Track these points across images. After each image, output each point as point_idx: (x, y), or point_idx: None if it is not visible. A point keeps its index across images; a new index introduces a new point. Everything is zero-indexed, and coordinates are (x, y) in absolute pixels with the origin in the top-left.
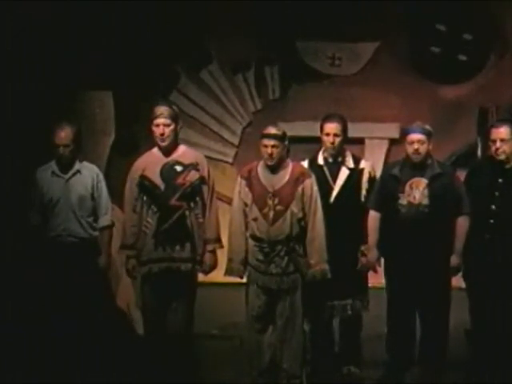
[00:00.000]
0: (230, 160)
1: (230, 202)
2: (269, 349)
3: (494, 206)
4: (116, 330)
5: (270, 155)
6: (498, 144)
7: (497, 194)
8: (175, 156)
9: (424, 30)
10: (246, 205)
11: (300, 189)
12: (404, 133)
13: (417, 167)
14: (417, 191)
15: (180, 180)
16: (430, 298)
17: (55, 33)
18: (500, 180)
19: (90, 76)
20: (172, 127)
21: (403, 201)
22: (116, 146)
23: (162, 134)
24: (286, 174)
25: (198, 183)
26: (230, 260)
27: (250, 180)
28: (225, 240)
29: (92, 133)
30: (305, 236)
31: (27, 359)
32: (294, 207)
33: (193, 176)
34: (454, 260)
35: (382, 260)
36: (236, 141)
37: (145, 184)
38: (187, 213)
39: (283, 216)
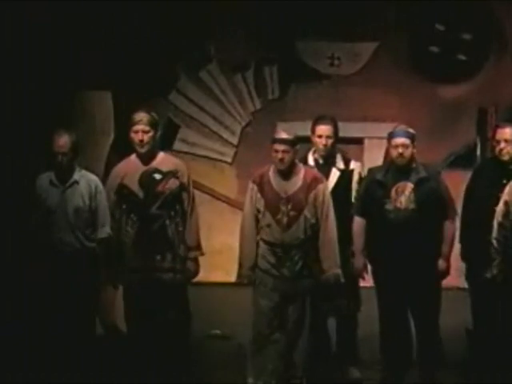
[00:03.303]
0: (229, 160)
1: (228, 201)
2: (275, 352)
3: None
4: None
5: (281, 160)
6: (503, 145)
7: (500, 194)
8: (154, 164)
9: (423, 29)
10: (258, 211)
11: (313, 194)
12: (388, 137)
13: (401, 171)
14: (402, 196)
15: (160, 188)
16: (420, 301)
17: (55, 33)
18: (504, 181)
19: (89, 76)
20: (151, 134)
21: (390, 206)
22: (115, 146)
23: (141, 141)
24: (298, 180)
25: (178, 191)
26: (240, 266)
27: (262, 186)
28: (221, 243)
29: (91, 133)
30: (318, 241)
31: (22, 362)
32: (308, 212)
33: (172, 184)
34: (442, 264)
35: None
36: (235, 140)
37: (124, 193)
38: (168, 222)
39: (297, 221)
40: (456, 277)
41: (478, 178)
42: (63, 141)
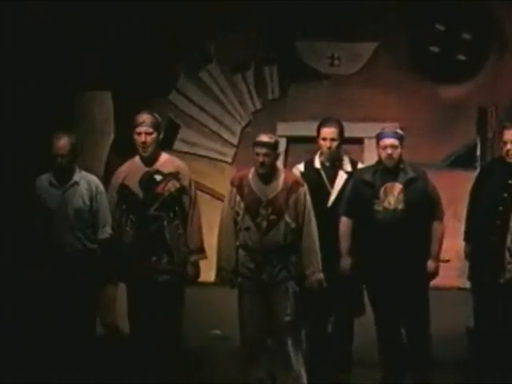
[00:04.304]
0: (229, 160)
1: None
2: (270, 358)
3: (501, 208)
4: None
5: (262, 163)
6: (509, 146)
7: (506, 195)
8: (156, 165)
9: (423, 29)
10: (237, 214)
11: (293, 198)
12: (376, 138)
13: (389, 172)
14: (391, 196)
15: (159, 189)
16: (409, 302)
17: (55, 33)
18: (510, 181)
19: (89, 76)
20: (154, 136)
21: (379, 207)
22: (115, 146)
23: (144, 143)
24: (279, 183)
25: (178, 193)
26: (220, 269)
27: (242, 188)
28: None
29: (91, 133)
30: (298, 245)
31: (22, 362)
32: (288, 217)
33: (172, 186)
34: (431, 265)
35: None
36: (235, 141)
37: (124, 193)
38: (165, 223)
39: (277, 226)
40: (456, 277)
41: (484, 179)
42: (62, 143)
